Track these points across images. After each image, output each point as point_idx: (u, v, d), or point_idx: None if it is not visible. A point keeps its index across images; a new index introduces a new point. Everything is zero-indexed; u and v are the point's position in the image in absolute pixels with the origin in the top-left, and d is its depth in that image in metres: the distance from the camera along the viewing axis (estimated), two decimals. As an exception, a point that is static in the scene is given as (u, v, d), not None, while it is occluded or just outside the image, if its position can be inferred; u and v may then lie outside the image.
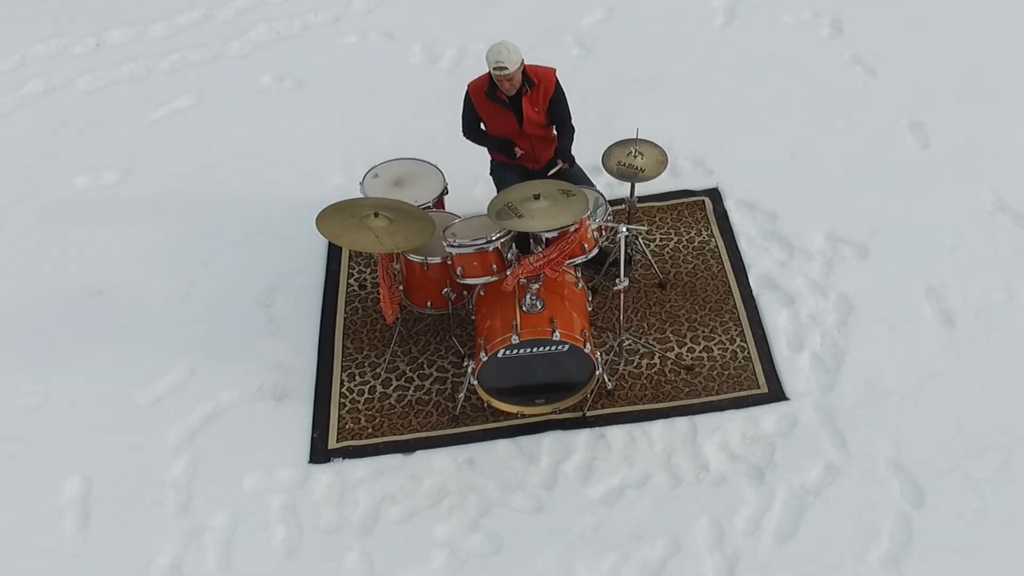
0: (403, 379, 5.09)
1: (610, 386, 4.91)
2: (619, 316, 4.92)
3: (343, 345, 5.27)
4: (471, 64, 6.60)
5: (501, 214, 4.45)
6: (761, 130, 6.32)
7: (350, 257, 5.73)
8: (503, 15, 7.35)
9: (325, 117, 6.71)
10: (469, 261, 4.59)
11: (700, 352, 5.11)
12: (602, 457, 4.70)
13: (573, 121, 5.12)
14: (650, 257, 5.45)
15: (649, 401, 4.90)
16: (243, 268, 5.73)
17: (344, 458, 4.77)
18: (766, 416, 4.81)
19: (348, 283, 5.59)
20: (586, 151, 5.27)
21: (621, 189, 5.58)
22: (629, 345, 5.08)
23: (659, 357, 5.09)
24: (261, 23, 7.57)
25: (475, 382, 4.66)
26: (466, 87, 5.05)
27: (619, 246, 4.55)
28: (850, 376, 4.93)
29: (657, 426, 4.81)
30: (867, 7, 7.23)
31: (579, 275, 4.95)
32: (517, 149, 5.07)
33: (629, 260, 5.42)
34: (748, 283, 5.41)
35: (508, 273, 4.59)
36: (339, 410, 4.97)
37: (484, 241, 4.54)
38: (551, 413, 4.83)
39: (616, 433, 4.79)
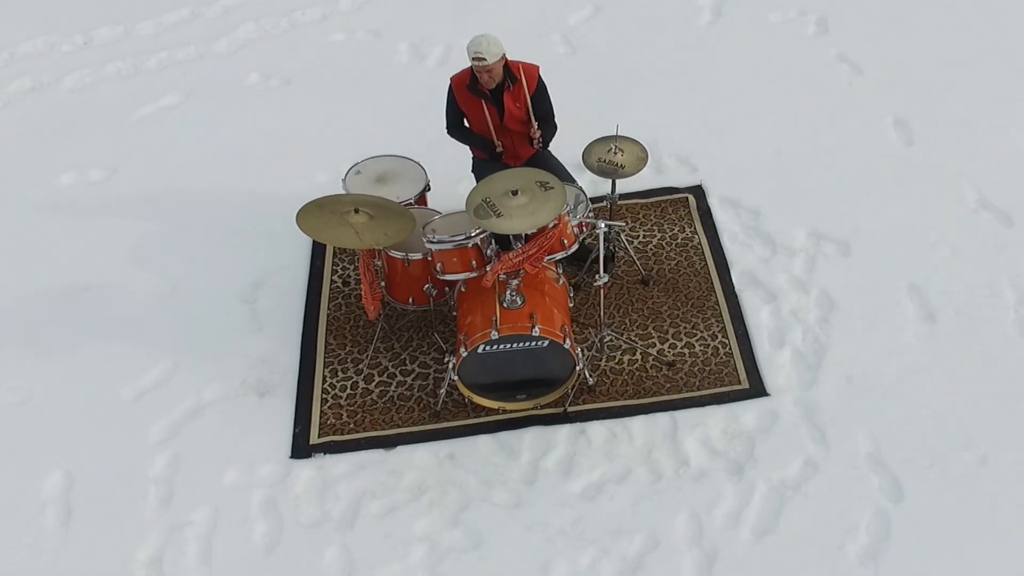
0: (385, 375, 5.10)
1: (591, 382, 4.92)
2: (601, 312, 4.93)
3: (326, 341, 5.28)
4: (458, 62, 6.54)
5: (480, 211, 4.46)
6: (746, 127, 6.34)
7: (334, 254, 5.75)
8: (490, 13, 7.37)
9: (311, 115, 6.73)
10: (449, 257, 4.60)
11: (682, 348, 5.13)
12: (583, 452, 4.71)
13: (557, 120, 5.14)
14: (633, 254, 5.46)
15: (630, 397, 4.91)
16: (228, 265, 5.74)
17: (325, 453, 4.78)
18: (747, 412, 4.82)
19: (332, 280, 5.61)
20: (571, 149, 5.27)
21: (605, 186, 5.60)
22: (611, 341, 5.10)
23: (641, 353, 5.10)
24: (248, 21, 7.59)
25: (455, 377, 4.67)
26: (449, 80, 5.06)
27: (599, 242, 4.57)
28: (831, 372, 4.94)
29: (638, 422, 4.82)
30: (853, 6, 7.25)
31: (560, 271, 4.96)
32: (498, 148, 5.08)
33: (612, 257, 5.44)
34: (731, 280, 5.42)
35: (487, 269, 4.60)
36: (321, 406, 4.99)
37: (463, 237, 4.56)
38: (532, 409, 4.84)
39: (597, 429, 4.80)
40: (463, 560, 4.36)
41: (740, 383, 4.94)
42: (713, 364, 5.03)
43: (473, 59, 4.79)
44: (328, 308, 5.45)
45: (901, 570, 4.19)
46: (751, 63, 6.85)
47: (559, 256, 4.64)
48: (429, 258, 4.71)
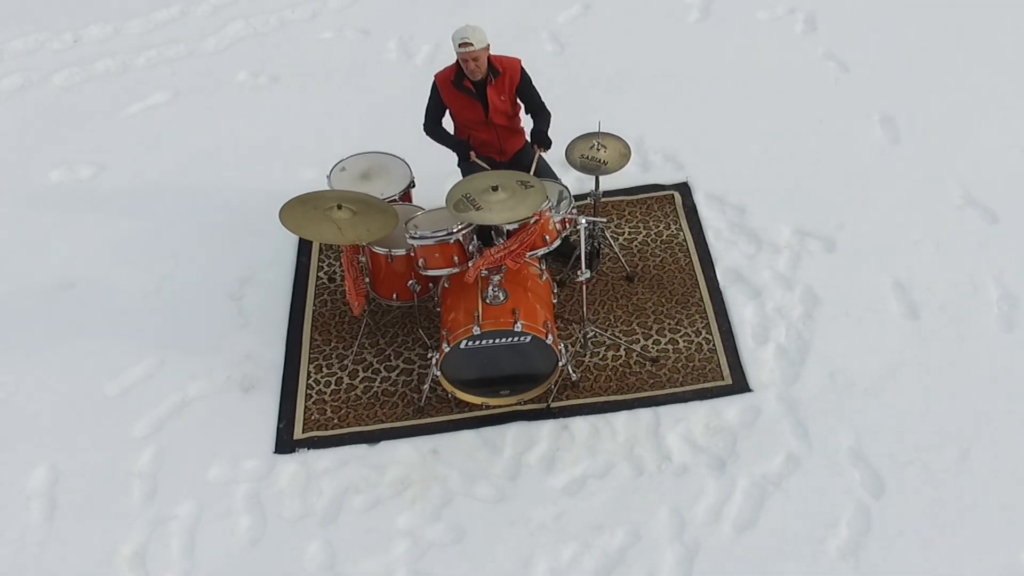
0: (370, 370, 5.12)
1: (575, 377, 4.93)
2: (584, 308, 4.95)
3: (311, 337, 5.30)
4: (446, 60, 6.55)
5: (459, 206, 4.48)
6: (733, 125, 6.36)
7: (320, 250, 5.76)
8: (479, 11, 7.35)
9: (300, 112, 6.75)
10: (431, 253, 4.62)
11: (665, 344, 5.14)
12: (565, 448, 4.73)
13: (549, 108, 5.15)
14: (618, 250, 5.48)
15: (614, 392, 4.93)
16: (214, 261, 5.75)
17: (309, 448, 4.79)
18: (729, 407, 4.84)
19: (317, 276, 5.62)
20: (557, 146, 5.28)
21: (591, 183, 5.60)
22: (595, 337, 5.11)
23: (624, 349, 5.11)
24: (238, 19, 7.62)
25: (438, 373, 4.68)
26: (433, 77, 5.07)
27: (581, 238, 4.58)
28: (814, 368, 4.96)
29: (621, 417, 4.83)
30: (840, 4, 7.28)
31: (543, 267, 4.98)
32: (472, 153, 5.09)
33: (597, 253, 5.45)
34: (715, 276, 5.44)
35: (469, 264, 4.61)
36: (306, 401, 5.00)
37: (445, 233, 4.57)
38: (515, 404, 4.85)
39: (580, 424, 4.81)
40: (445, 554, 4.38)
41: (723, 379, 4.96)
42: (697, 360, 5.05)
43: (459, 46, 4.79)
44: (314, 304, 5.47)
45: (881, 565, 4.21)
46: (739, 61, 6.87)
47: (541, 252, 4.66)
48: (412, 254, 4.72)
